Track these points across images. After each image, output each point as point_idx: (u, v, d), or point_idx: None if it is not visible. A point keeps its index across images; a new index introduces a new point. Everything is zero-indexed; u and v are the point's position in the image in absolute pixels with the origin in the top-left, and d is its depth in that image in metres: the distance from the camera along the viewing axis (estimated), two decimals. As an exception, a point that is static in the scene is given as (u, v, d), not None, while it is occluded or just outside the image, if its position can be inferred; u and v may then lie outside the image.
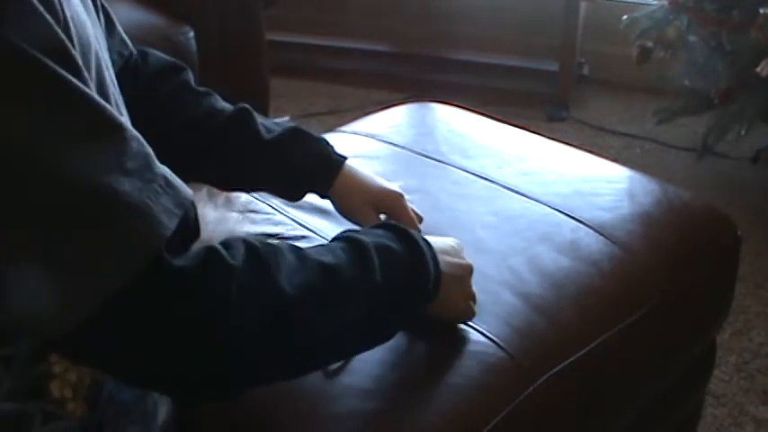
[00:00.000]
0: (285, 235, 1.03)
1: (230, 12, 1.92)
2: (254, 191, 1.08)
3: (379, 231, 0.78)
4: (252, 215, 1.08)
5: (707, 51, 2.03)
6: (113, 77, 0.73)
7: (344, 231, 0.77)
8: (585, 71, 2.73)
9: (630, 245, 1.04)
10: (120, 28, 0.92)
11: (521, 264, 0.97)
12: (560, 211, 1.08)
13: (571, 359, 0.89)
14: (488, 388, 0.83)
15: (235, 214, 1.08)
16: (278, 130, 0.95)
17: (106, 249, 0.56)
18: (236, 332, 0.62)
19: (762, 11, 1.79)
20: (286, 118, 2.50)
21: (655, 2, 2.12)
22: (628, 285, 1.00)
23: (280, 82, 2.44)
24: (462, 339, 0.87)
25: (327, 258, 0.70)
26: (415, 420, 0.79)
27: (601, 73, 2.70)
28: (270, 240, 1.01)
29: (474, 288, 0.87)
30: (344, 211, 0.98)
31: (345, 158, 0.98)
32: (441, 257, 0.80)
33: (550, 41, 2.60)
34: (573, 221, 1.06)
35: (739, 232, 1.17)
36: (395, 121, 1.35)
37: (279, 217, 1.07)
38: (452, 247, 0.85)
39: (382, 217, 0.97)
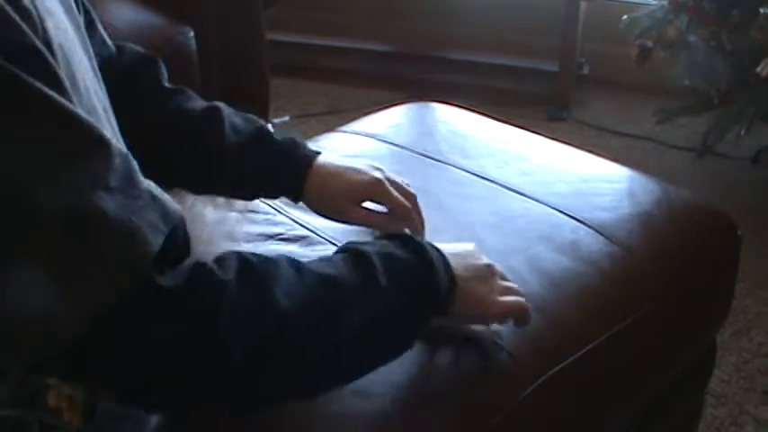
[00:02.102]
0: (285, 235, 1.03)
1: (230, 12, 1.92)
2: (226, 196, 1.04)
3: (384, 241, 0.76)
4: (252, 215, 1.08)
5: (707, 51, 2.03)
6: (101, 83, 0.72)
7: (346, 243, 0.75)
8: (585, 71, 2.73)
9: (630, 245, 1.04)
10: (101, 28, 0.91)
11: (521, 264, 0.97)
12: (560, 211, 1.08)
13: (571, 359, 0.89)
14: (488, 388, 0.83)
15: (235, 214, 1.08)
16: (245, 131, 0.92)
17: (90, 268, 0.55)
18: (228, 350, 0.60)
19: (762, 11, 1.79)
20: (286, 118, 2.51)
21: (655, 2, 2.12)
22: (628, 285, 1.00)
23: (280, 82, 2.44)
24: (462, 339, 0.87)
25: (328, 269, 0.68)
26: (414, 420, 0.79)
27: (601, 73, 2.70)
28: (271, 243, 1.01)
29: (509, 283, 0.85)
30: (325, 212, 0.95)
31: (314, 155, 0.94)
32: (453, 260, 0.78)
33: (550, 41, 2.60)
34: (573, 221, 1.06)
35: (739, 232, 1.17)
36: (395, 121, 1.35)
37: (279, 217, 1.07)
38: (467, 250, 0.82)
39: (371, 206, 0.94)
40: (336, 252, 0.74)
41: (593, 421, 0.94)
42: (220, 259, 0.64)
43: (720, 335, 1.57)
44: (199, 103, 0.94)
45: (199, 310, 0.60)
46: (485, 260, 0.83)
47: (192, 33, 1.76)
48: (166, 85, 0.95)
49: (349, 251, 0.72)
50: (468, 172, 1.17)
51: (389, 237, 0.77)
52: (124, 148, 0.59)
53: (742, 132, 1.91)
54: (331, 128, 1.36)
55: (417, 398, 0.80)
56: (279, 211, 1.08)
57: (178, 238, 0.61)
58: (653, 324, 0.99)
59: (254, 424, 0.81)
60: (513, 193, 1.12)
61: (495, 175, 1.16)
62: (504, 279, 0.85)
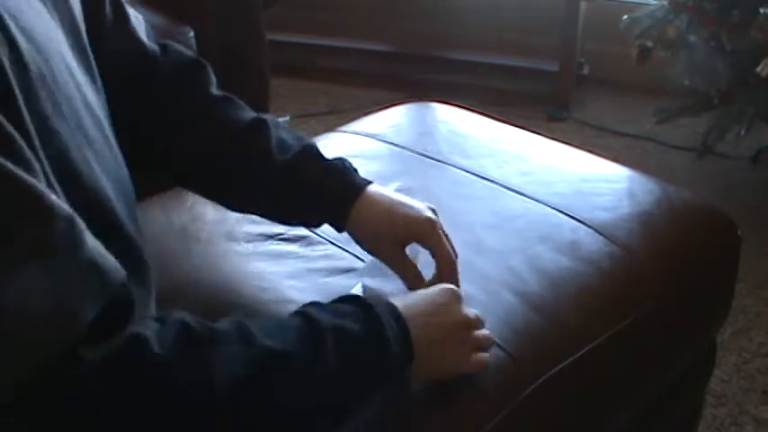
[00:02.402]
0: (285, 235, 1.03)
1: (230, 12, 1.92)
2: (266, 216, 0.97)
3: (345, 307, 0.72)
4: (252, 215, 1.08)
5: (707, 51, 2.03)
6: (98, 103, 0.72)
7: (305, 307, 0.72)
8: (585, 71, 2.73)
9: (630, 245, 1.04)
10: (134, 24, 0.89)
11: (521, 264, 0.97)
12: (560, 211, 1.08)
13: (571, 359, 0.89)
14: (488, 388, 0.83)
15: (235, 214, 1.08)
16: (292, 149, 0.88)
17: (14, 340, 0.54)
18: (155, 427, 0.59)
19: (762, 11, 1.79)
20: (286, 118, 2.50)
21: (655, 1, 2.12)
22: (628, 285, 1.00)
23: (280, 82, 2.44)
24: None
25: (275, 342, 0.65)
26: (414, 421, 0.79)
27: (601, 73, 2.70)
28: (271, 243, 1.01)
29: (483, 334, 0.82)
30: (366, 246, 0.89)
31: (365, 183, 0.88)
32: (419, 324, 0.74)
33: (550, 41, 2.60)
34: (573, 221, 1.06)
35: (739, 232, 1.17)
36: (395, 121, 1.35)
37: (279, 217, 1.07)
38: (444, 303, 0.79)
39: (417, 249, 0.88)
40: (294, 314, 0.71)
41: (593, 421, 0.94)
42: (162, 325, 0.61)
43: (720, 335, 1.57)
44: (246, 114, 0.90)
45: (126, 386, 0.58)
46: (463, 313, 0.80)
47: (191, 33, 1.76)
48: (213, 91, 0.92)
49: (305, 318, 0.69)
50: (468, 172, 1.17)
51: (351, 300, 0.74)
52: (68, 211, 0.56)
53: (742, 132, 1.91)
54: (331, 128, 1.36)
55: (417, 398, 0.80)
56: (279, 211, 1.08)
57: (118, 304, 0.59)
58: (653, 324, 0.99)
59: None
60: (513, 193, 1.12)
61: (495, 175, 1.16)
62: (481, 328, 0.82)
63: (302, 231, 1.03)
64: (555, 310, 0.93)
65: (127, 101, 0.85)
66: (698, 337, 1.15)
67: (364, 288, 0.89)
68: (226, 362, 0.62)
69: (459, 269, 0.95)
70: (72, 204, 0.61)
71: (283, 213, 0.93)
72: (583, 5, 2.52)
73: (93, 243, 0.58)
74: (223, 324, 0.65)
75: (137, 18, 0.91)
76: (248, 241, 1.02)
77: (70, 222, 0.56)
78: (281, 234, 1.03)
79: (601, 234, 1.04)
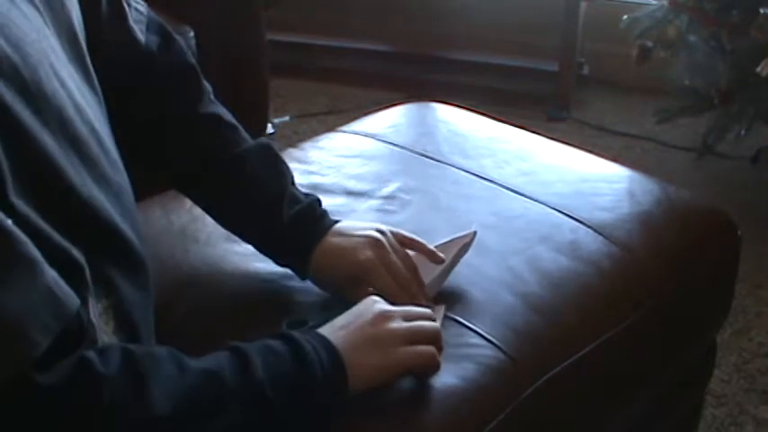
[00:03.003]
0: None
1: (230, 12, 1.92)
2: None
3: (268, 341, 0.73)
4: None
5: (707, 51, 2.03)
6: (98, 95, 0.73)
7: (231, 344, 0.73)
8: (585, 71, 2.73)
9: (630, 245, 1.04)
10: (132, 21, 0.90)
11: (520, 264, 0.97)
12: (560, 211, 1.08)
13: (571, 360, 0.89)
14: (487, 389, 0.83)
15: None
16: (268, 190, 0.92)
17: None
18: None
19: (762, 11, 1.79)
20: (286, 118, 2.50)
21: (655, 2, 2.12)
22: (628, 285, 1.00)
23: (280, 82, 2.44)
24: (461, 340, 0.87)
25: (208, 364, 0.68)
26: (413, 422, 0.79)
27: (601, 73, 2.70)
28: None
29: (415, 325, 0.80)
30: (330, 292, 0.92)
31: (326, 231, 0.91)
32: (339, 336, 0.75)
33: (550, 41, 2.59)
34: (573, 221, 1.06)
35: (739, 232, 1.17)
36: (395, 121, 1.35)
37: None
38: (355, 312, 0.79)
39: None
40: (220, 350, 0.72)
41: (593, 421, 0.94)
42: (104, 350, 0.64)
43: (720, 335, 1.57)
44: (231, 139, 0.93)
45: (76, 408, 0.60)
46: (376, 307, 0.80)
47: (191, 33, 1.76)
48: (201, 110, 0.93)
49: (231, 349, 0.71)
50: (468, 172, 1.17)
51: (277, 336, 0.75)
52: (24, 238, 0.57)
53: (742, 132, 1.91)
54: (331, 128, 1.36)
55: (417, 398, 0.80)
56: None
57: (72, 331, 0.61)
58: (653, 324, 0.99)
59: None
60: (513, 193, 1.12)
61: (495, 175, 1.16)
62: (410, 316, 0.81)
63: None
64: (555, 310, 0.93)
65: (123, 95, 0.87)
66: (698, 337, 1.15)
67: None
68: (163, 381, 0.64)
69: (459, 270, 0.96)
70: (59, 210, 0.62)
71: (256, 247, 0.96)
72: (583, 5, 2.52)
73: (49, 272, 0.59)
74: (158, 349, 0.68)
75: (137, 12, 0.92)
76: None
77: (25, 247, 0.57)
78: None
79: (601, 234, 1.04)
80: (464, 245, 0.94)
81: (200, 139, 0.93)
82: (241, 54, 1.97)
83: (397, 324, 0.78)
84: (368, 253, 0.88)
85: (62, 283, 0.60)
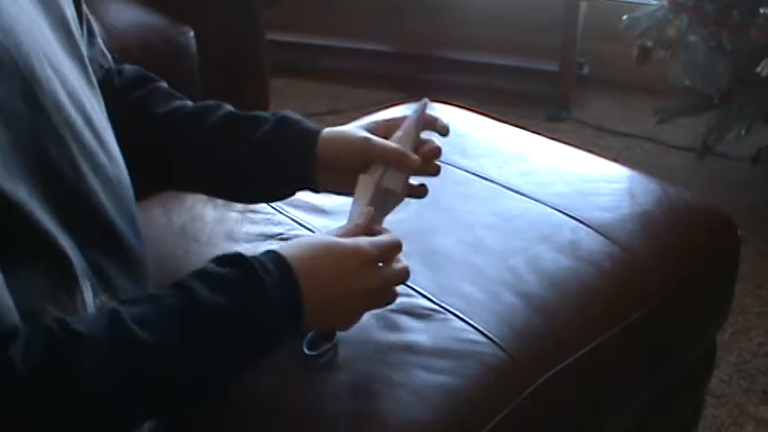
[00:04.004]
0: (285, 235, 1.03)
1: (230, 12, 1.92)
2: (243, 199, 1.00)
3: (223, 271, 0.69)
4: (251, 215, 1.08)
5: (707, 51, 2.03)
6: (93, 87, 0.73)
7: (191, 279, 0.69)
8: (585, 71, 2.73)
9: (630, 245, 1.04)
10: (100, 40, 0.91)
11: (521, 264, 0.97)
12: (560, 211, 1.08)
13: (571, 359, 0.89)
14: (488, 388, 0.83)
15: (234, 214, 1.08)
16: (242, 123, 0.89)
17: None
18: None
19: (762, 11, 1.79)
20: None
21: (655, 2, 2.12)
22: (628, 285, 1.00)
23: (280, 82, 2.44)
24: (462, 339, 0.87)
25: (148, 333, 0.63)
26: (413, 420, 0.79)
27: (601, 73, 2.70)
28: (271, 242, 1.01)
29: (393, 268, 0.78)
30: (338, 185, 0.90)
31: (317, 129, 0.89)
32: (304, 266, 0.72)
33: (550, 41, 2.59)
34: (573, 221, 1.06)
35: (739, 232, 1.17)
36: (395, 120, 1.35)
37: (279, 217, 1.07)
38: (323, 244, 0.76)
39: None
40: (176, 286, 0.68)
41: (593, 421, 0.94)
42: (28, 338, 0.60)
43: (720, 335, 1.57)
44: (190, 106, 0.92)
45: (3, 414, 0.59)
46: (351, 243, 0.76)
47: (191, 33, 1.76)
48: (159, 111, 0.92)
49: (186, 298, 0.67)
50: (468, 172, 1.17)
51: (231, 263, 0.71)
52: None
53: (742, 132, 1.91)
54: (331, 128, 1.36)
55: (417, 398, 0.80)
56: (279, 211, 1.08)
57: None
58: (653, 324, 0.99)
59: (248, 426, 0.81)
60: (513, 193, 1.12)
61: (495, 175, 1.16)
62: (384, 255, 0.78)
63: (302, 231, 1.03)
64: (555, 310, 0.93)
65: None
66: (698, 337, 1.15)
67: None
68: (94, 365, 0.61)
69: (459, 269, 0.96)
70: (51, 198, 0.62)
71: (255, 188, 0.93)
72: (583, 5, 2.52)
73: None
74: (95, 321, 0.63)
75: (98, 33, 0.93)
76: (248, 241, 1.02)
77: None
78: (281, 234, 1.03)
79: (601, 234, 1.04)
80: (417, 118, 0.91)
81: (166, 104, 0.91)
82: (241, 54, 1.97)
83: (370, 279, 0.76)
84: (363, 133, 0.89)
85: (5, 297, 0.58)
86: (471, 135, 1.30)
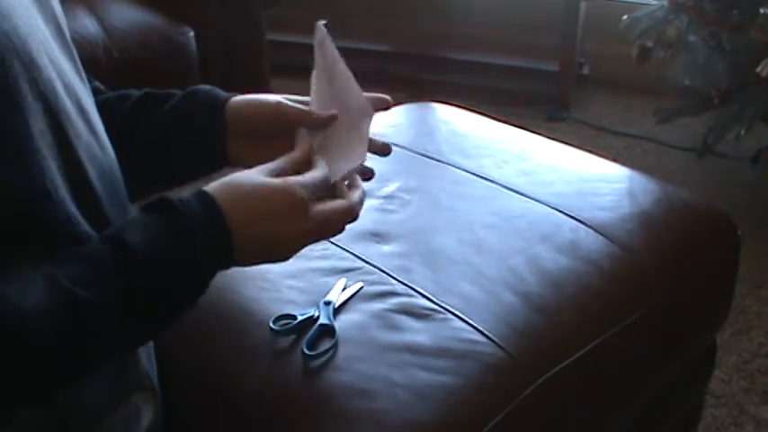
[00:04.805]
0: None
1: (230, 12, 1.92)
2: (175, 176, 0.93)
3: (157, 228, 0.67)
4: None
5: (707, 51, 2.03)
6: (82, 80, 0.73)
7: (118, 230, 0.67)
8: (585, 71, 2.73)
9: (630, 245, 1.04)
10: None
11: (521, 263, 0.97)
12: (560, 211, 1.08)
13: (571, 359, 0.89)
14: (488, 388, 0.83)
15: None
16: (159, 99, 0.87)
17: None
18: None
19: (762, 11, 1.79)
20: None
21: (655, 2, 2.12)
22: (628, 285, 1.00)
23: (280, 82, 2.43)
24: (462, 338, 0.87)
25: (82, 289, 0.61)
26: (413, 420, 0.79)
27: (601, 73, 2.70)
28: None
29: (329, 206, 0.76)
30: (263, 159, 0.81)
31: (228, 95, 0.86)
32: (233, 206, 0.70)
33: (550, 41, 2.60)
34: (573, 221, 1.06)
35: (739, 232, 1.17)
36: (395, 121, 1.35)
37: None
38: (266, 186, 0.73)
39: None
40: (107, 240, 0.66)
41: (593, 421, 0.94)
42: None
43: (720, 335, 1.57)
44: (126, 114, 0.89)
45: None
46: (294, 198, 0.73)
47: (191, 33, 1.76)
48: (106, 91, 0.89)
49: (116, 246, 0.65)
50: (468, 172, 1.17)
51: (156, 211, 0.69)
52: None
53: (742, 132, 1.91)
54: (331, 128, 1.35)
55: (417, 398, 0.80)
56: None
57: None
58: (653, 324, 0.99)
59: (248, 426, 0.81)
60: (513, 192, 1.12)
61: (495, 175, 1.16)
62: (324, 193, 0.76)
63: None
64: (555, 309, 0.93)
65: None
66: (698, 337, 1.15)
67: None
68: (37, 335, 0.59)
69: (459, 269, 0.96)
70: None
71: (178, 164, 0.89)
72: (583, 5, 2.52)
73: None
74: (33, 289, 0.61)
75: None
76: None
77: None
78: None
79: (601, 234, 1.04)
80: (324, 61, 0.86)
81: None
82: (241, 54, 1.97)
83: (300, 220, 0.74)
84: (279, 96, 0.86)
85: None
86: (471, 135, 1.30)
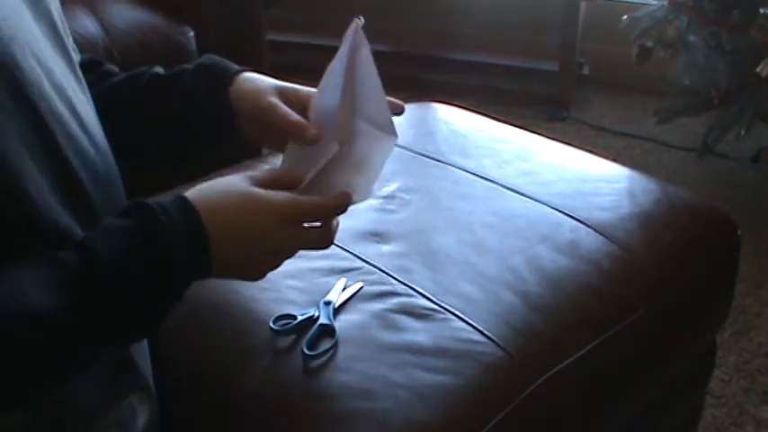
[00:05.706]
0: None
1: (230, 12, 1.92)
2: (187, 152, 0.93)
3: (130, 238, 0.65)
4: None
5: (707, 51, 2.03)
6: (77, 78, 0.73)
7: (90, 236, 0.65)
8: (585, 71, 2.73)
9: (630, 245, 1.04)
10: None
11: (520, 263, 0.97)
12: (560, 211, 1.08)
13: (571, 359, 0.89)
14: (487, 387, 0.83)
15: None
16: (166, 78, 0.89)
17: None
18: None
19: (762, 11, 1.79)
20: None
21: (655, 2, 2.12)
22: (627, 285, 1.00)
23: (280, 82, 2.43)
24: (462, 338, 0.87)
25: (36, 300, 0.60)
26: (413, 420, 0.79)
27: (601, 73, 2.70)
28: None
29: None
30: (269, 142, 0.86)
31: (239, 71, 0.87)
32: (213, 218, 0.69)
33: (550, 41, 2.60)
34: (573, 221, 1.06)
35: (739, 232, 1.17)
36: (395, 120, 1.35)
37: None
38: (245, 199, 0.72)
39: None
40: (77, 247, 0.64)
41: (593, 421, 0.94)
42: None
43: (720, 335, 1.58)
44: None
45: None
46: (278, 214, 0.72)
47: (191, 33, 1.76)
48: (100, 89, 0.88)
49: (83, 253, 0.63)
50: (468, 172, 1.17)
51: (135, 216, 0.67)
52: None
53: (742, 132, 1.91)
54: (331, 128, 1.35)
55: (417, 398, 0.80)
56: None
57: None
58: (653, 324, 0.99)
59: (248, 425, 0.81)
60: (513, 193, 1.12)
61: (495, 175, 1.16)
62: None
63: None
64: (555, 309, 0.93)
65: None
66: (698, 336, 1.15)
67: None
68: None
69: (459, 269, 0.96)
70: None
71: (193, 141, 0.90)
72: (583, 5, 2.52)
73: None
74: None
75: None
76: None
77: None
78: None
79: (601, 234, 1.04)
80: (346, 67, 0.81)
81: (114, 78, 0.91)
82: (241, 54, 1.97)
83: (282, 241, 0.74)
84: (270, 98, 0.85)
85: None
86: (471, 135, 1.30)
